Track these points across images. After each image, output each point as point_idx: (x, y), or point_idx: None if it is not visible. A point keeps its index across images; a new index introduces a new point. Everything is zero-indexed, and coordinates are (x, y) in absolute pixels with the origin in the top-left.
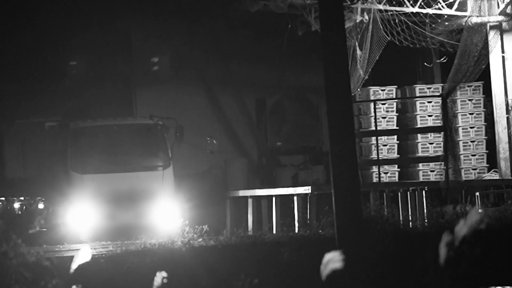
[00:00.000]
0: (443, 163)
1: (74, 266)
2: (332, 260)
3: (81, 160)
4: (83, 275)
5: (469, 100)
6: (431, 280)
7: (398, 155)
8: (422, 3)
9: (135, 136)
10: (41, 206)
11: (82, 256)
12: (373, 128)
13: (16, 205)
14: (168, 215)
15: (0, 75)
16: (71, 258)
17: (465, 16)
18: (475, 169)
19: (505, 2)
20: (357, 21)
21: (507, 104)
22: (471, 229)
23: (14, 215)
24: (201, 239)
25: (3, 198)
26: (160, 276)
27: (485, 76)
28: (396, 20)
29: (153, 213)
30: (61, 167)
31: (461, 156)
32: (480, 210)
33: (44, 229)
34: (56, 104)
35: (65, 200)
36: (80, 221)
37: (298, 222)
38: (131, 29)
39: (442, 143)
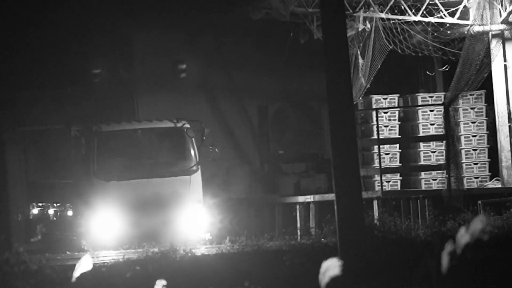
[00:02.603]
0: (445, 171)
1: (76, 274)
2: (331, 268)
3: (105, 166)
4: (85, 284)
5: (471, 108)
6: None
7: (400, 164)
8: (424, 12)
9: (161, 140)
10: (70, 213)
11: (83, 264)
12: (375, 136)
13: (51, 211)
14: (196, 222)
15: (7, 82)
16: (73, 267)
17: (467, 24)
18: (477, 177)
19: (507, 11)
20: (359, 29)
21: (509, 113)
22: (474, 238)
23: (49, 220)
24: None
25: (40, 204)
26: (160, 285)
27: (487, 85)
28: (398, 29)
29: (181, 220)
30: (84, 173)
31: (463, 165)
32: (483, 219)
33: (74, 238)
34: (60, 110)
35: (88, 208)
36: (105, 229)
37: (300, 230)
38: (133, 36)
39: (444, 151)
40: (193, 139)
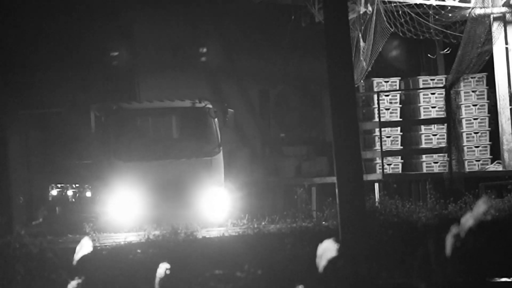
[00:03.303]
0: (446, 154)
1: (76, 257)
2: (327, 250)
3: (125, 147)
4: (85, 266)
5: (473, 91)
6: (435, 271)
7: (402, 147)
8: None
9: (183, 120)
10: (88, 194)
11: (84, 247)
12: (377, 119)
13: (70, 192)
14: (217, 205)
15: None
16: (74, 250)
17: (469, 7)
18: (479, 160)
19: None
20: (361, 12)
21: (510, 95)
22: (478, 221)
23: (67, 202)
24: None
25: (59, 185)
26: (163, 268)
27: (488, 67)
28: (400, 12)
29: (201, 203)
30: (103, 153)
31: (465, 148)
32: (486, 201)
33: (93, 219)
34: (62, 93)
35: (107, 189)
36: (123, 210)
37: (301, 213)
38: (134, 17)
39: (445, 134)
40: (215, 120)
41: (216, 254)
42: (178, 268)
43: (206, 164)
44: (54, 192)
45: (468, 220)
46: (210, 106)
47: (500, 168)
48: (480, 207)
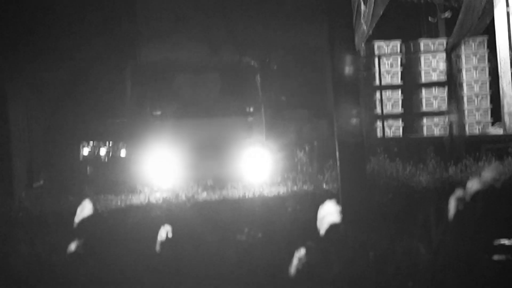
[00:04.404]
0: (447, 117)
1: (77, 220)
2: (329, 214)
3: (161, 104)
4: (86, 229)
5: (474, 54)
6: (436, 235)
7: (402, 110)
8: None
9: (223, 76)
10: (123, 153)
11: (84, 210)
12: (377, 82)
13: (103, 151)
14: (257, 166)
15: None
16: (75, 212)
17: None
18: (479, 123)
19: None
20: None
21: (511, 59)
22: (485, 185)
23: (100, 162)
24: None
25: (91, 143)
26: (164, 230)
27: (489, 31)
28: None
29: (240, 164)
30: (140, 111)
31: (465, 111)
32: (497, 166)
33: (128, 179)
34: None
35: (143, 148)
36: (159, 171)
37: (302, 176)
38: None
39: (446, 97)
40: (258, 76)
41: (217, 217)
42: (179, 231)
43: (247, 122)
44: (85, 151)
45: (474, 184)
46: (252, 61)
47: (500, 131)
48: (489, 172)
